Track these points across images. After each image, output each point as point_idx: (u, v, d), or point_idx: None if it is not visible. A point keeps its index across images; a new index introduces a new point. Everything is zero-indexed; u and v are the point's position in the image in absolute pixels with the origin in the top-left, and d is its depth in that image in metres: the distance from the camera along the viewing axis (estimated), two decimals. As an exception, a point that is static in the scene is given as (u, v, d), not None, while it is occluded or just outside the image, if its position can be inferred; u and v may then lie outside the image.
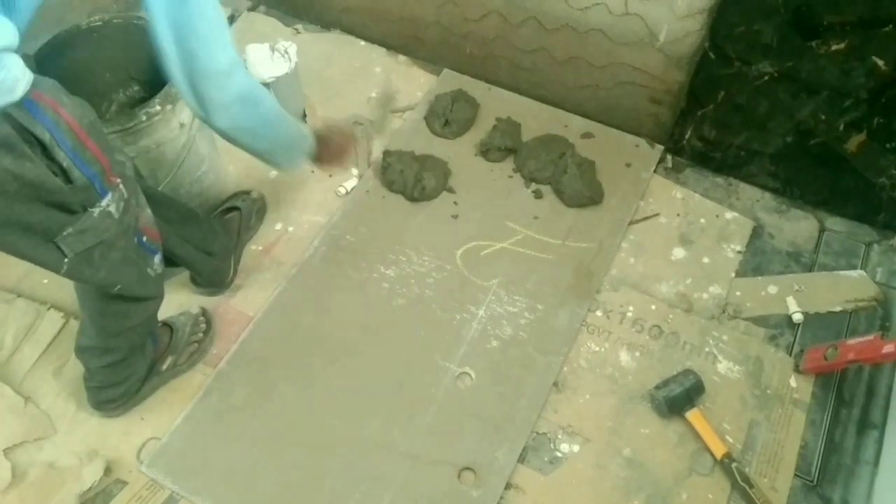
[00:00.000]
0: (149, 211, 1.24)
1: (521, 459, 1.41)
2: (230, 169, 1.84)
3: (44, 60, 1.45)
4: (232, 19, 2.21)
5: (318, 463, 1.40)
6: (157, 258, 1.29)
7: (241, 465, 1.40)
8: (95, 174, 1.03)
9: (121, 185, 1.10)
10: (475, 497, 1.36)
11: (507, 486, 1.38)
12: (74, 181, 1.00)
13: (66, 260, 1.07)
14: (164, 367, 1.47)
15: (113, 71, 1.62)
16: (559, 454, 1.43)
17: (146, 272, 1.26)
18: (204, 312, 1.58)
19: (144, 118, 1.40)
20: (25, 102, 0.91)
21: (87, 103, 1.04)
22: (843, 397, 1.50)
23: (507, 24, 1.87)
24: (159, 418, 1.46)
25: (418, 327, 1.58)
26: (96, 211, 1.06)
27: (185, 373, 1.52)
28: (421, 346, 1.55)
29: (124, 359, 1.39)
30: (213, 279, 1.64)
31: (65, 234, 1.04)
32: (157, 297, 1.37)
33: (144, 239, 1.23)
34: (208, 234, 1.57)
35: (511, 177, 1.83)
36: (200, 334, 1.54)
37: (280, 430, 1.44)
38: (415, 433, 1.44)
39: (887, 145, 1.61)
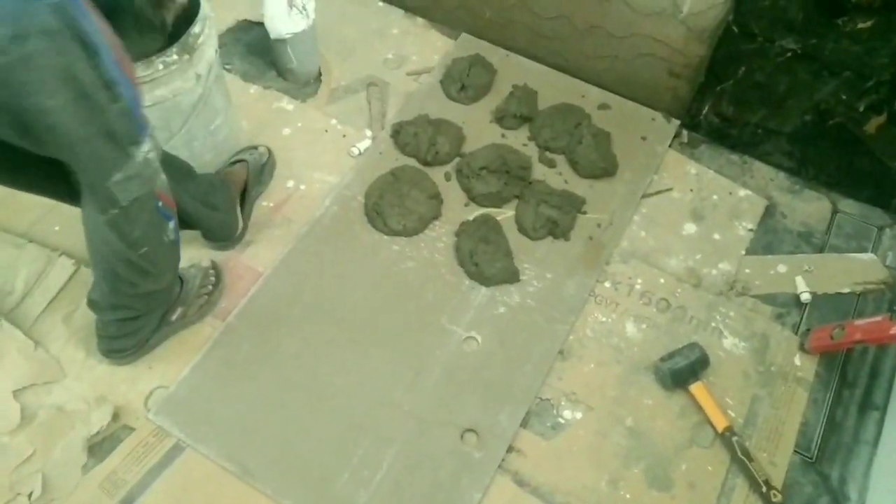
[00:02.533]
0: (163, 175, 1.23)
1: (524, 424, 1.43)
2: (244, 124, 1.83)
3: None
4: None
5: (322, 419, 1.42)
6: (172, 224, 1.28)
7: (246, 416, 1.42)
8: (135, 99, 1.02)
9: (154, 133, 1.09)
10: (477, 458, 1.38)
11: (509, 450, 1.40)
12: (119, 99, 0.98)
13: (114, 209, 1.08)
14: (174, 317, 1.48)
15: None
16: (561, 420, 1.44)
17: (164, 238, 1.26)
18: (214, 266, 1.59)
19: (162, 67, 1.39)
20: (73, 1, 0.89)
21: None
22: (847, 378, 1.50)
23: (529, -10, 1.85)
24: (167, 368, 1.47)
25: (427, 290, 1.58)
26: (140, 155, 1.05)
27: (194, 324, 1.53)
28: (428, 308, 1.56)
29: (137, 316, 1.40)
30: (222, 233, 1.64)
31: (115, 178, 1.04)
32: (169, 270, 1.37)
33: (160, 204, 1.22)
34: (209, 188, 1.57)
35: (525, 145, 1.82)
36: (210, 287, 1.54)
37: (285, 385, 1.45)
38: (419, 394, 1.45)
39: (906, 129, 1.61)
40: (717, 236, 1.71)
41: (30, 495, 1.33)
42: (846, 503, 1.36)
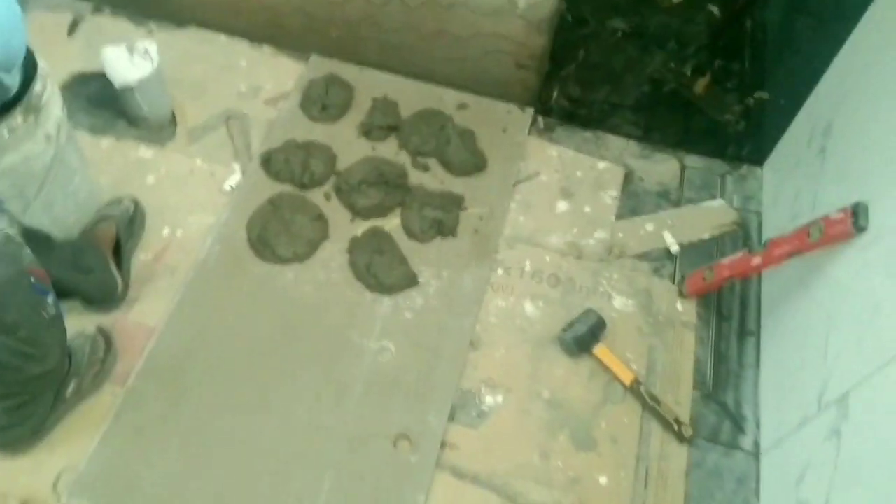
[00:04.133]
0: (27, 249, 1.17)
1: (451, 418, 1.47)
2: (102, 180, 1.74)
3: None
4: (75, 25, 2.07)
5: (250, 462, 1.38)
6: (50, 299, 1.21)
7: (169, 480, 1.35)
8: None
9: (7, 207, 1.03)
10: (414, 462, 1.40)
11: (442, 446, 1.43)
12: None
13: None
14: (69, 392, 1.39)
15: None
16: (485, 408, 1.50)
17: (43, 316, 1.19)
18: (101, 330, 1.50)
19: (7, 132, 1.30)
20: None
21: None
22: (723, 313, 1.67)
23: (371, 5, 1.89)
24: (72, 447, 1.37)
25: (330, 311, 1.58)
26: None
27: (91, 395, 1.44)
28: (336, 328, 1.56)
29: (27, 402, 1.30)
30: (102, 295, 1.56)
31: None
32: (55, 348, 1.29)
33: (32, 280, 1.15)
34: (77, 252, 1.49)
35: (397, 154, 1.87)
36: (102, 353, 1.46)
37: (204, 437, 1.40)
38: (344, 413, 1.45)
39: (728, 85, 1.81)
40: (587, 209, 1.84)
41: None
42: (744, 422, 1.52)
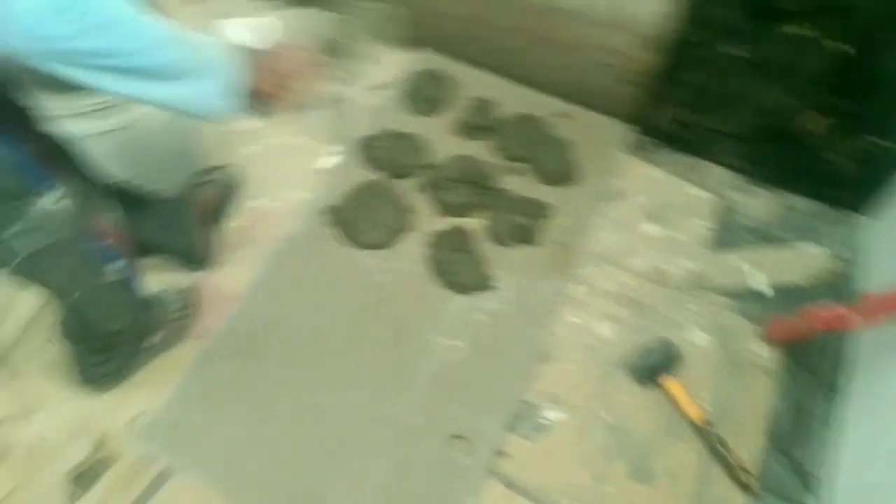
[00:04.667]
0: (108, 214, 1.20)
1: (509, 427, 1.46)
2: (205, 146, 1.82)
3: None
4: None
5: (309, 436, 1.42)
6: (117, 265, 1.23)
7: (231, 439, 1.41)
8: (27, 160, 0.97)
9: (70, 181, 1.04)
10: (466, 464, 1.40)
11: (497, 453, 1.43)
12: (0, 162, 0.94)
13: (16, 260, 1.02)
14: (152, 342, 1.47)
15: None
16: (544, 422, 1.48)
17: (106, 279, 1.21)
18: (189, 289, 1.58)
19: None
20: None
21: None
22: (808, 364, 1.59)
23: (484, 4, 1.90)
24: (149, 392, 1.45)
25: (405, 302, 1.61)
26: (40, 208, 1.01)
27: (172, 348, 1.51)
28: (408, 319, 1.58)
29: (113, 344, 1.38)
30: (191, 257, 1.64)
31: (13, 230, 1.00)
32: (120, 312, 1.33)
33: (103, 244, 1.18)
34: (173, 213, 1.56)
35: (491, 155, 1.87)
36: (186, 309, 1.54)
37: (270, 405, 1.45)
38: (405, 404, 1.47)
39: (845, 127, 1.71)
40: (676, 235, 1.79)
41: (12, 533, 1.30)
42: (813, 482, 1.44)
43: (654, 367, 1.51)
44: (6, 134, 0.94)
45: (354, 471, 1.39)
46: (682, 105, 1.86)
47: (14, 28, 0.74)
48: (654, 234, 1.79)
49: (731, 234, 1.80)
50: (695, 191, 1.86)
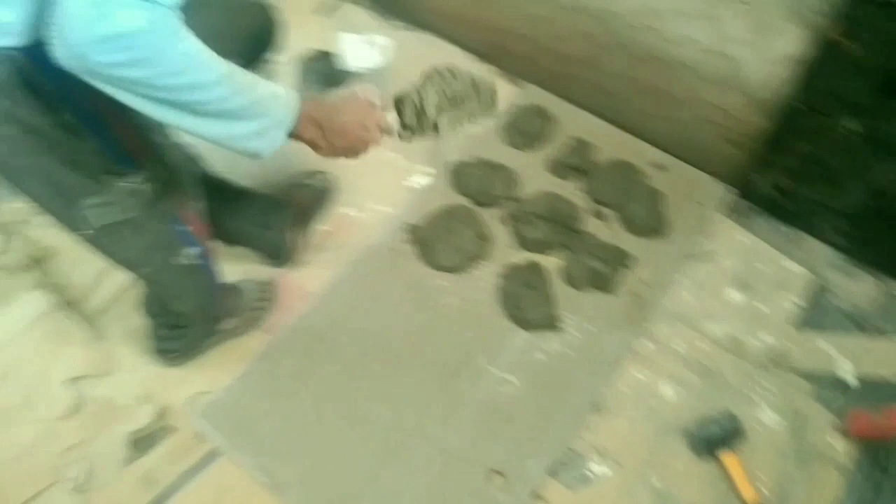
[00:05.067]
0: (198, 202, 1.23)
1: (551, 473, 1.44)
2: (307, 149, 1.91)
3: None
4: (333, 8, 2.29)
5: (354, 441, 1.45)
6: (193, 250, 1.25)
7: (282, 431, 1.46)
8: (111, 143, 0.99)
9: (156, 167, 1.07)
10: (501, 501, 1.39)
11: (534, 496, 1.40)
12: (83, 140, 0.96)
13: (90, 230, 1.05)
14: (225, 327, 1.54)
15: (219, 42, 1.70)
16: (589, 474, 1.45)
17: (178, 261, 1.24)
18: (268, 282, 1.65)
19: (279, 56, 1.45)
20: (31, 52, 0.83)
21: None
22: (885, 466, 1.47)
23: (596, 47, 1.90)
24: (214, 374, 1.53)
25: (467, 328, 1.62)
26: (121, 186, 1.03)
27: (242, 335, 1.59)
28: (467, 346, 1.59)
29: (182, 325, 1.46)
30: (275, 252, 1.71)
31: (89, 202, 1.02)
32: (190, 295, 1.37)
33: (185, 229, 1.21)
34: (266, 209, 1.64)
35: (578, 196, 1.85)
36: (263, 302, 1.61)
37: (323, 405, 1.50)
38: (450, 428, 1.47)
39: (967, 218, 1.60)
40: (762, 307, 1.70)
41: (73, 481, 1.39)
42: None
43: (714, 438, 1.45)
44: (97, 115, 0.95)
45: (392, 486, 1.40)
46: (786, 173, 1.78)
47: (64, 49, 0.77)
48: (738, 302, 1.71)
49: (821, 314, 1.70)
50: (788, 263, 1.78)
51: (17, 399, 1.48)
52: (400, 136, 1.27)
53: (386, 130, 1.20)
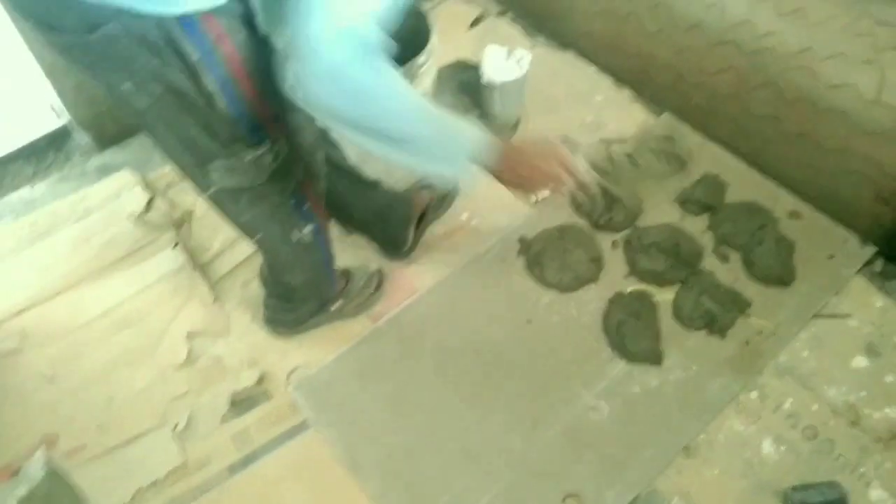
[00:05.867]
0: (322, 183, 1.28)
1: (630, 507, 1.39)
2: (437, 153, 1.97)
3: None
4: (478, 21, 2.35)
5: (438, 439, 1.47)
6: (309, 228, 1.30)
7: (371, 416, 1.50)
8: (244, 114, 1.02)
9: (285, 144, 1.11)
10: (574, 526, 1.36)
11: (608, 529, 1.37)
12: (216, 109, 0.99)
13: (211, 188, 1.12)
14: (333, 308, 1.62)
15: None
16: (669, 517, 1.39)
17: (292, 235, 1.29)
18: (379, 272, 1.71)
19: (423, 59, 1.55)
20: (183, 20, 0.88)
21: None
22: None
23: (744, 84, 1.83)
24: (315, 350, 1.60)
25: (566, 348, 1.60)
26: (247, 156, 1.07)
27: (348, 318, 1.66)
28: (563, 366, 1.57)
29: (295, 296, 1.54)
30: (390, 246, 1.76)
31: (215, 165, 1.07)
32: (300, 269, 1.43)
33: (304, 206, 1.26)
34: (388, 203, 1.70)
35: (702, 233, 1.79)
36: (371, 290, 1.67)
37: (413, 399, 1.53)
38: (532, 444, 1.46)
39: None
40: (890, 378, 1.57)
41: (174, 427, 1.50)
42: None
43: (813, 507, 1.35)
44: (236, 87, 0.99)
45: (467, 487, 1.41)
46: (939, 239, 1.64)
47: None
48: (864, 368, 1.58)
49: (959, 397, 1.54)
50: (928, 337, 1.62)
51: (142, 342, 1.62)
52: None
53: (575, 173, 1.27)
